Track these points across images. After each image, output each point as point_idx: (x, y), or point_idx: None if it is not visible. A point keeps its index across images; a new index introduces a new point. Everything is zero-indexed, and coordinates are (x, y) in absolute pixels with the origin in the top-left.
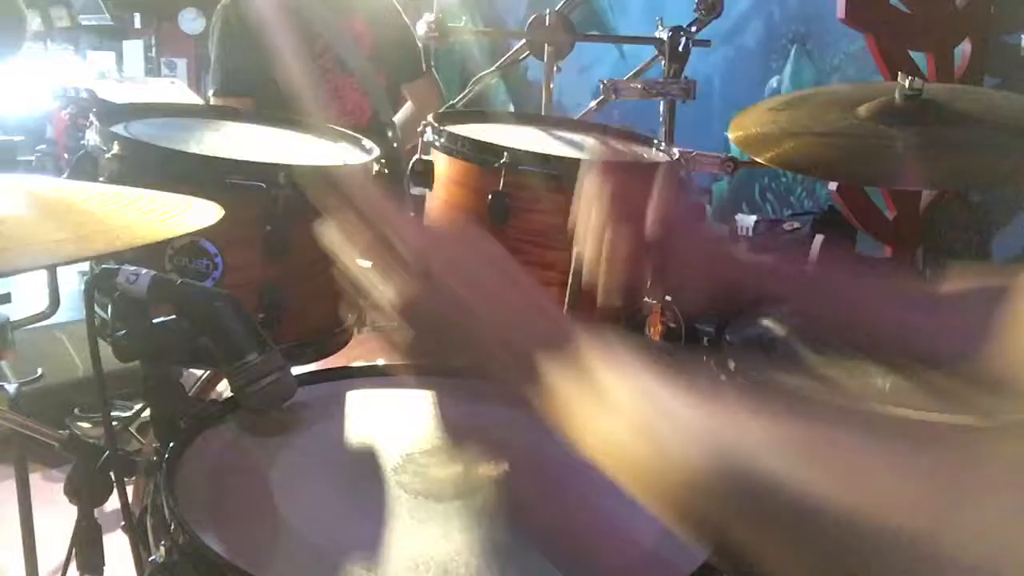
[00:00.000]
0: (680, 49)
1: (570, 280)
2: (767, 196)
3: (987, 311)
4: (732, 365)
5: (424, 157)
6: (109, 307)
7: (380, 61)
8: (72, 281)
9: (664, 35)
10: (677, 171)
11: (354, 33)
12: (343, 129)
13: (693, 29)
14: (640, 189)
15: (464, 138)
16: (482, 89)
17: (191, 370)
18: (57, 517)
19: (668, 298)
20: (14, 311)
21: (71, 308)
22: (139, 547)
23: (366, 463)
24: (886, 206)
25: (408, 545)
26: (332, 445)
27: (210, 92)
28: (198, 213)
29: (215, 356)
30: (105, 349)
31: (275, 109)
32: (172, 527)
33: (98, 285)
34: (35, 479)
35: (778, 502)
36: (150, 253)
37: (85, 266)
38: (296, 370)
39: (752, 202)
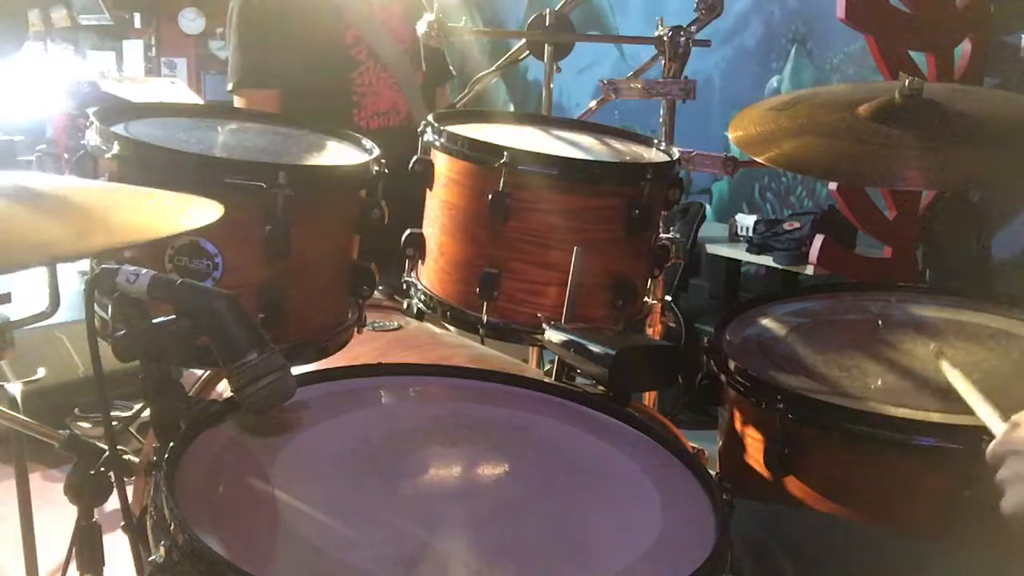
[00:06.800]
0: (680, 49)
1: (570, 280)
2: (767, 196)
3: None
4: (732, 365)
5: (424, 157)
6: (109, 307)
7: (419, 58)
8: (72, 281)
9: (664, 35)
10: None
11: (390, 26)
12: (343, 130)
13: (693, 29)
14: None
15: (464, 138)
16: (482, 89)
17: (191, 370)
18: (57, 517)
19: (668, 298)
20: (14, 311)
21: (71, 308)
22: (139, 547)
23: (366, 463)
24: (886, 206)
25: (408, 545)
26: (332, 445)
27: (229, 87)
28: (198, 211)
29: (215, 356)
30: (105, 349)
31: (302, 103)
32: (172, 527)
33: (98, 285)
34: (35, 479)
35: None
36: (150, 253)
37: (85, 266)
38: (296, 370)
39: (752, 202)
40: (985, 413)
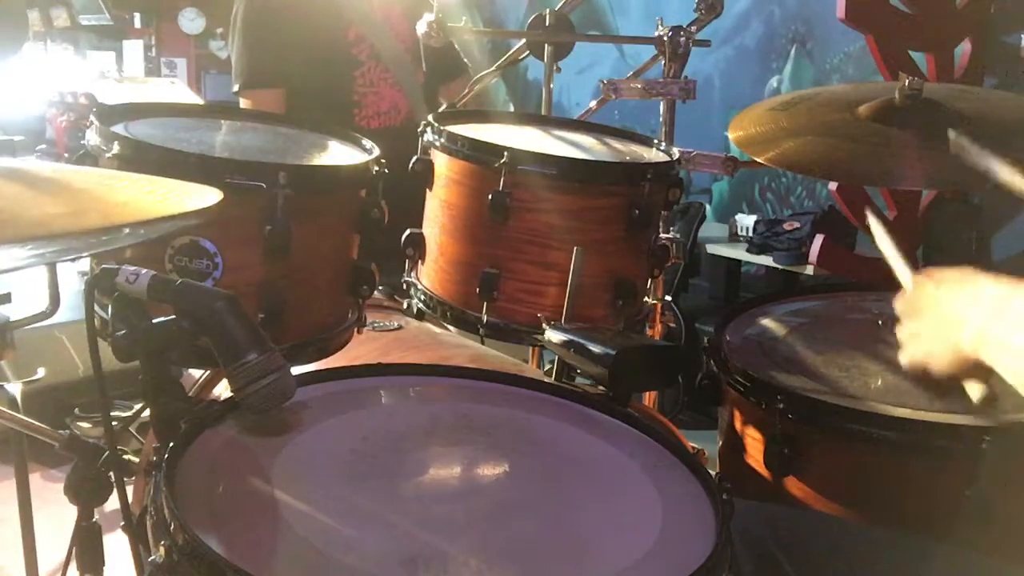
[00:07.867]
0: (680, 49)
1: (570, 280)
2: (767, 196)
3: None
4: (732, 365)
5: (424, 157)
6: (109, 307)
7: (420, 57)
8: (72, 281)
9: (664, 35)
10: None
11: (391, 24)
12: (344, 129)
13: (693, 29)
14: None
15: (464, 138)
16: (482, 89)
17: (191, 370)
18: (57, 517)
19: (668, 298)
20: (14, 311)
21: (71, 308)
22: (139, 547)
23: (366, 463)
24: (886, 206)
25: (409, 545)
26: (332, 445)
27: (234, 89)
28: (197, 197)
29: (215, 356)
30: (105, 349)
31: (304, 102)
32: (172, 527)
33: (98, 285)
34: (35, 479)
35: None
36: (150, 253)
37: (85, 266)
38: (296, 370)
39: (752, 202)
40: (900, 268)
